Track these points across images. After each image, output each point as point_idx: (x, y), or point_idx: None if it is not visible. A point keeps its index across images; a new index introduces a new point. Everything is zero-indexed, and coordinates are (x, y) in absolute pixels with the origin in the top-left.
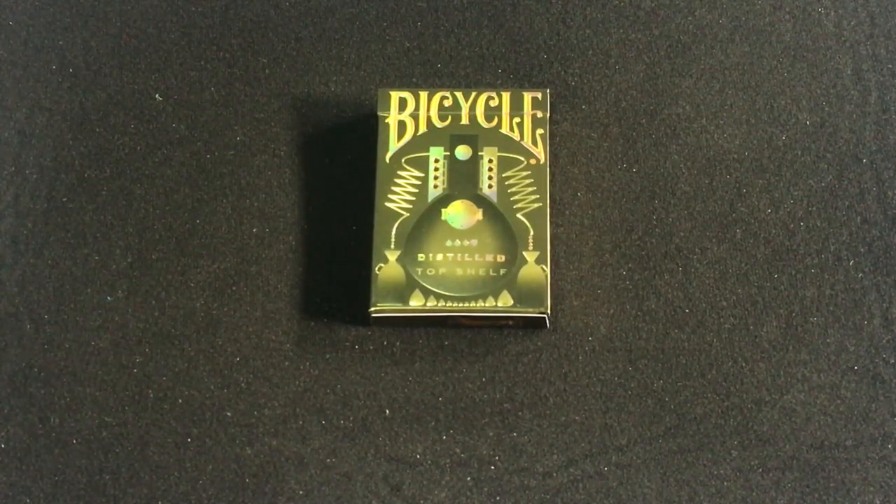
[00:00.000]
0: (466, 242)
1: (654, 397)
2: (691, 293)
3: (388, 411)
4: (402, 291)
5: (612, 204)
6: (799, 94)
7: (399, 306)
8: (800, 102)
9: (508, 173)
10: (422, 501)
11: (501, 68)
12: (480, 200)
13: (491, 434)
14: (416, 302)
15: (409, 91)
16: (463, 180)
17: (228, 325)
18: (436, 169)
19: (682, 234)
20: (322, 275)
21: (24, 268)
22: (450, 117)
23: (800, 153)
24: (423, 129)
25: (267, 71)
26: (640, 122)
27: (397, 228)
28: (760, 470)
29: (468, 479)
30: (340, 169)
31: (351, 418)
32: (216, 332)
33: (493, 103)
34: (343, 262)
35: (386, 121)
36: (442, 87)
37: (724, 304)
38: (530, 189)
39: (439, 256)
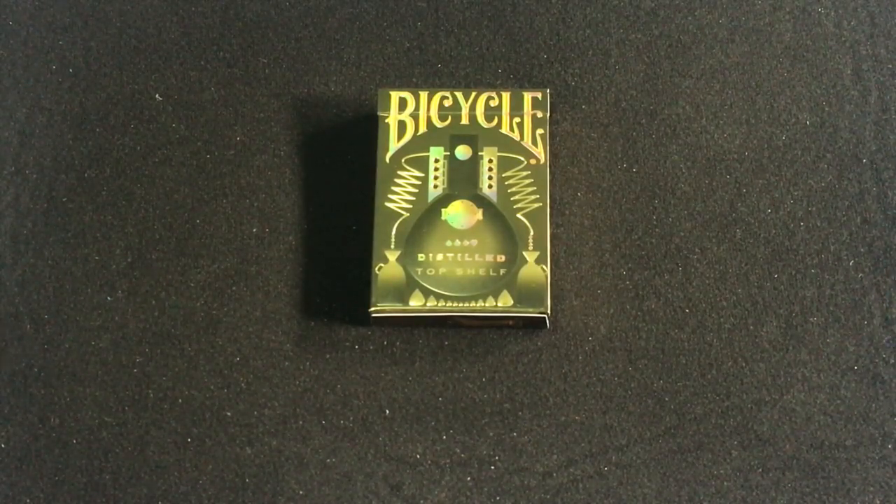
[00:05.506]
0: (466, 242)
1: (654, 397)
2: (691, 293)
3: (388, 411)
4: (402, 291)
5: (612, 204)
6: (799, 94)
7: (399, 306)
8: (800, 102)
9: (508, 173)
10: (422, 501)
11: (501, 68)
12: (480, 200)
13: (491, 434)
14: (416, 302)
15: (409, 91)
16: (463, 180)
17: (228, 325)
18: (436, 169)
19: (682, 234)
20: (322, 275)
21: (24, 268)
22: (450, 117)
23: (800, 153)
24: (423, 129)
25: (267, 71)
26: (640, 122)
27: (397, 228)
28: (760, 470)
29: (468, 479)
30: (340, 169)
31: (351, 418)
32: (216, 332)
33: (493, 103)
34: (343, 262)
35: (386, 121)
36: (442, 87)
37: (724, 304)
38: (530, 189)
39: (439, 256)
